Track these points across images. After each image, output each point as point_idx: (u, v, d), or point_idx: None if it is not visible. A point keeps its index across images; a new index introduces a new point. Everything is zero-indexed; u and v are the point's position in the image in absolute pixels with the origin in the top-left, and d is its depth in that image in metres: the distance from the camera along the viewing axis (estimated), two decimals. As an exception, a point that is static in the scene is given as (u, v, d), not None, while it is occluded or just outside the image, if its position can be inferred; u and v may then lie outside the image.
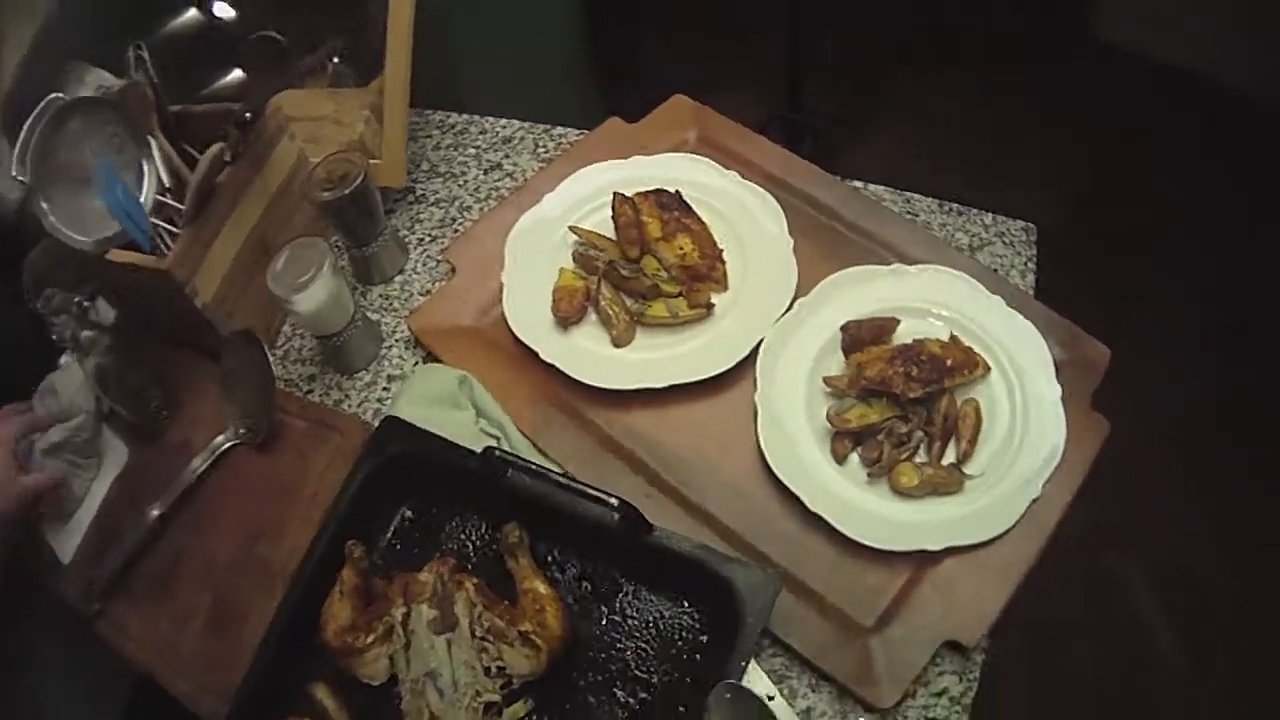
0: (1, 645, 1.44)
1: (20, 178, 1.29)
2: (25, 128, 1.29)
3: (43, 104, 1.30)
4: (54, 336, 1.33)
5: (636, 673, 1.14)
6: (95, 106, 1.34)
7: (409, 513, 1.30)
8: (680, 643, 1.15)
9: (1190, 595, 2.35)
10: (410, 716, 1.11)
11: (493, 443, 1.31)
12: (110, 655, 1.34)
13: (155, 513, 1.34)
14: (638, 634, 1.17)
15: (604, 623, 1.18)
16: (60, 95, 1.32)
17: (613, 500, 1.12)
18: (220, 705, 1.20)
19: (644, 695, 1.13)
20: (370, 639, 1.15)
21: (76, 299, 1.33)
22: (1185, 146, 3.03)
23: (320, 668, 1.19)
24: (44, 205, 1.30)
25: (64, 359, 1.29)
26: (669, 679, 1.13)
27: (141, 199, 1.36)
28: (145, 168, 1.39)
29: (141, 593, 1.34)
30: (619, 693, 1.14)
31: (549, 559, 1.23)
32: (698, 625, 1.16)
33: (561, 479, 1.15)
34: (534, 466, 1.16)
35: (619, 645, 1.16)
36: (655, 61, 3.39)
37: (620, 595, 1.19)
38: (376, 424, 1.33)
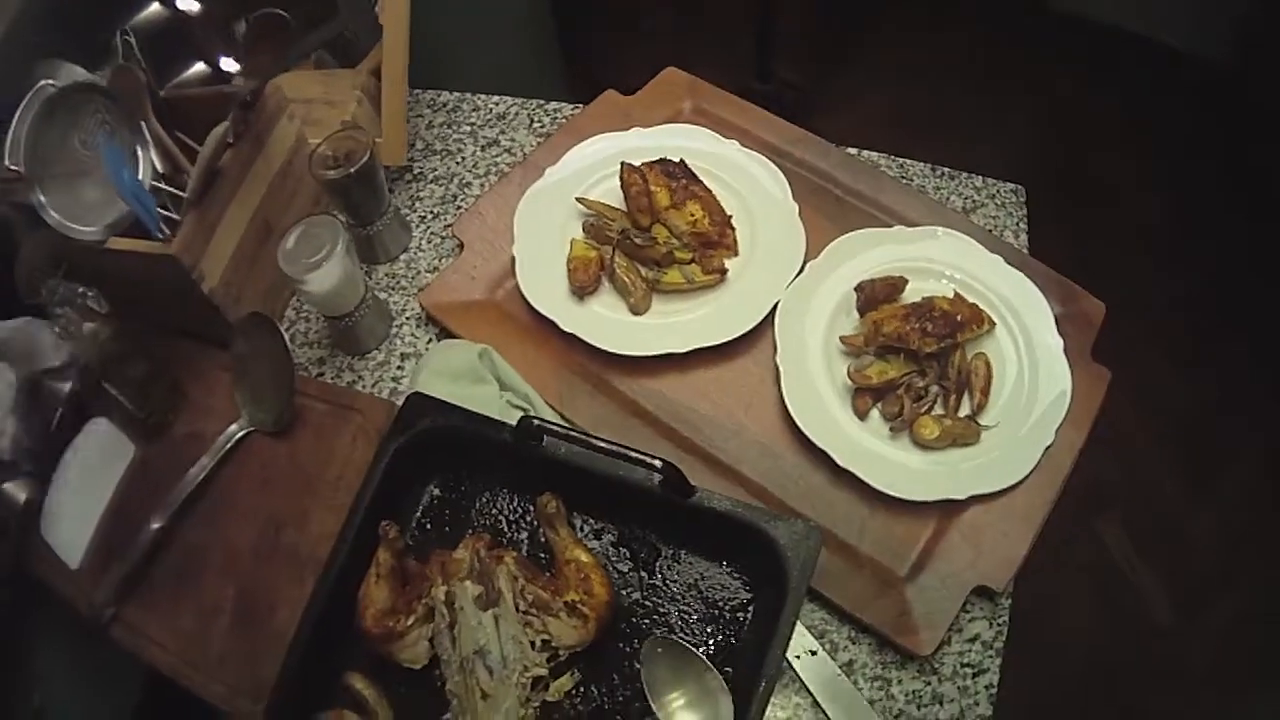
0: (7, 649, 1.39)
1: (15, 167, 1.24)
2: (16, 118, 1.24)
3: (32, 92, 1.26)
4: (56, 330, 1.29)
5: (681, 636, 1.14)
6: (87, 93, 1.31)
7: (436, 490, 1.28)
8: (723, 604, 1.16)
9: (1174, 548, 2.45)
10: (458, 697, 1.10)
11: (520, 413, 1.29)
12: (126, 659, 1.29)
13: (164, 516, 1.29)
14: (680, 598, 1.17)
15: (644, 589, 1.18)
16: (51, 82, 1.28)
17: (656, 461, 1.10)
18: (254, 704, 1.19)
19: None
20: (410, 621, 1.13)
21: (80, 290, 1.29)
22: (1139, 105, 3.16)
23: (354, 657, 1.17)
24: (41, 198, 1.25)
25: None
26: (715, 641, 1.14)
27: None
28: (140, 154, 1.36)
29: (160, 593, 1.30)
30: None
31: (582, 528, 1.22)
32: (741, 584, 1.17)
33: (602, 442, 1.13)
34: (574, 432, 1.14)
35: (662, 610, 1.17)
36: (618, 39, 3.30)
37: (659, 559, 1.19)
38: (397, 403, 1.32)
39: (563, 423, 1.32)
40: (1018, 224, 1.48)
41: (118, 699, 1.52)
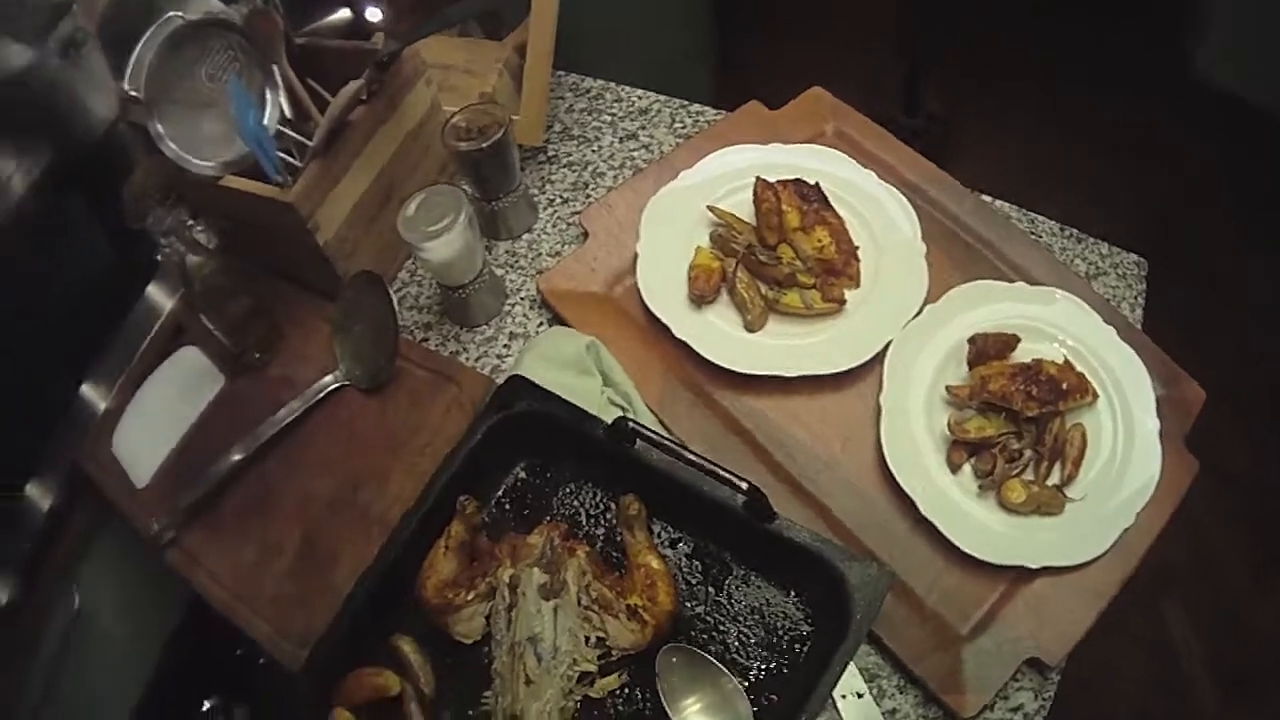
0: (60, 556, 1.44)
1: (134, 93, 1.26)
2: (141, 44, 1.27)
3: (160, 21, 1.28)
4: (159, 258, 1.31)
5: (735, 657, 1.15)
6: (219, 29, 1.32)
7: (522, 473, 1.30)
8: (783, 632, 1.16)
9: (1231, 636, 2.42)
10: (502, 678, 1.12)
11: (619, 413, 1.31)
12: (171, 583, 1.34)
13: (245, 451, 1.33)
14: (742, 619, 1.18)
15: (709, 604, 1.19)
16: (179, 14, 1.29)
17: (743, 484, 1.10)
18: (298, 649, 1.22)
19: (740, 680, 1.14)
20: (470, 596, 1.16)
21: (189, 222, 1.31)
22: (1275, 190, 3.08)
23: (406, 621, 1.19)
24: (159, 127, 1.27)
25: None
26: (768, 667, 1.15)
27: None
28: (268, 96, 1.38)
29: (225, 525, 1.34)
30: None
31: (660, 534, 1.23)
32: (804, 617, 1.17)
33: (693, 455, 1.13)
34: (668, 441, 1.14)
35: (722, 628, 1.17)
36: (766, 54, 3.34)
37: (729, 578, 1.20)
38: (498, 380, 1.34)
39: (659, 428, 1.33)
40: (1136, 297, 1.46)
41: (158, 619, 1.57)
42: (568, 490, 1.28)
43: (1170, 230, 2.98)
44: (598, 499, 1.27)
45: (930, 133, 3.03)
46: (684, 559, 1.22)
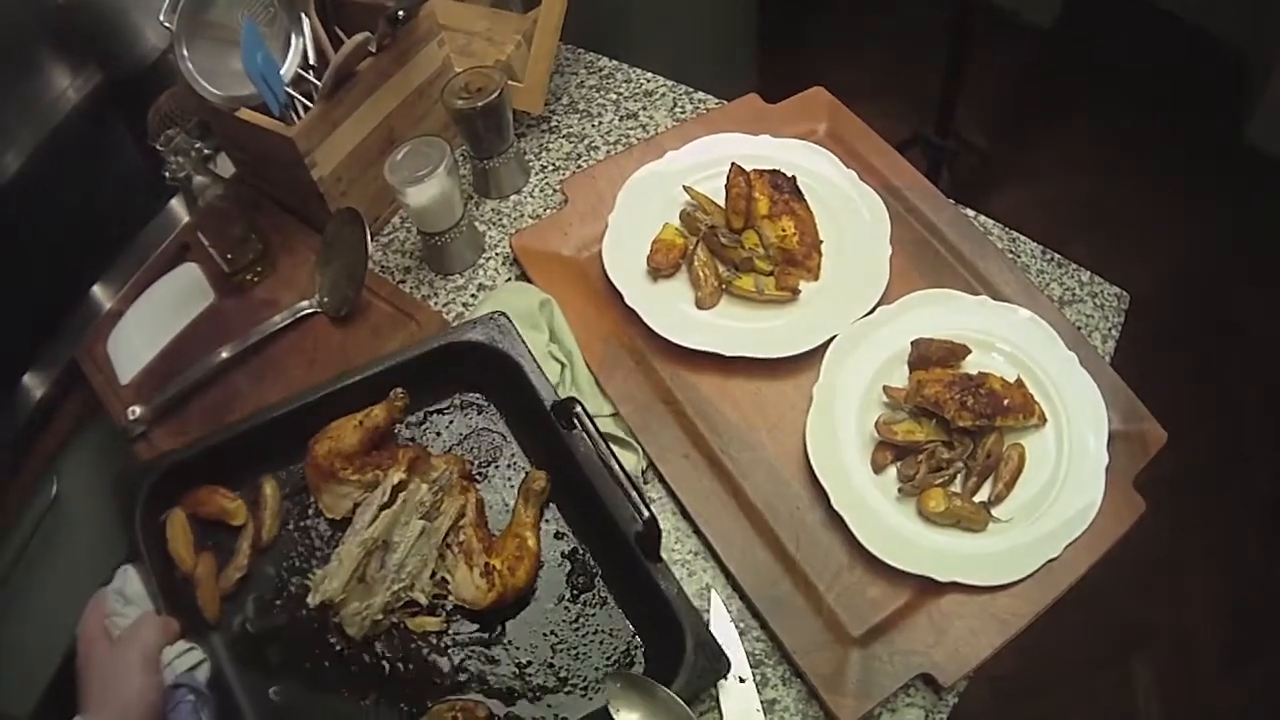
0: (46, 444, 1.54)
1: (166, 24, 1.38)
2: None
3: None
4: (166, 175, 1.41)
5: (553, 662, 1.15)
6: (256, -27, 1.43)
7: (462, 400, 1.34)
8: (613, 664, 1.15)
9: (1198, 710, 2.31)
10: (341, 563, 1.14)
11: (559, 366, 1.37)
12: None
13: (225, 354, 1.41)
14: (580, 633, 1.17)
15: (560, 605, 1.19)
16: None
17: (644, 513, 1.10)
18: None
19: (545, 686, 1.14)
20: (354, 476, 1.20)
21: (197, 144, 1.42)
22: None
23: (281, 473, 1.26)
24: (184, 53, 1.39)
25: (125, 567, 1.16)
26: (581, 689, 1.14)
27: (283, 69, 1.45)
28: (294, 41, 1.48)
29: (190, 424, 1.42)
30: (526, 670, 1.15)
31: (549, 520, 1.24)
32: (643, 662, 1.15)
33: (618, 466, 1.13)
34: (603, 440, 1.15)
35: (560, 632, 1.17)
36: (815, 56, 3.42)
37: (589, 593, 1.20)
38: (455, 322, 1.41)
39: (596, 388, 1.36)
40: (1110, 329, 1.41)
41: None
42: (493, 436, 1.31)
43: (1199, 286, 2.90)
44: (513, 458, 1.30)
45: (962, 157, 2.96)
46: (558, 554, 1.23)
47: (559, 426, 1.21)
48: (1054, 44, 3.57)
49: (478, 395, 1.34)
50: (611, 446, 1.15)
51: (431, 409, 1.33)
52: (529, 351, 1.28)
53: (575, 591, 1.20)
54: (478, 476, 1.28)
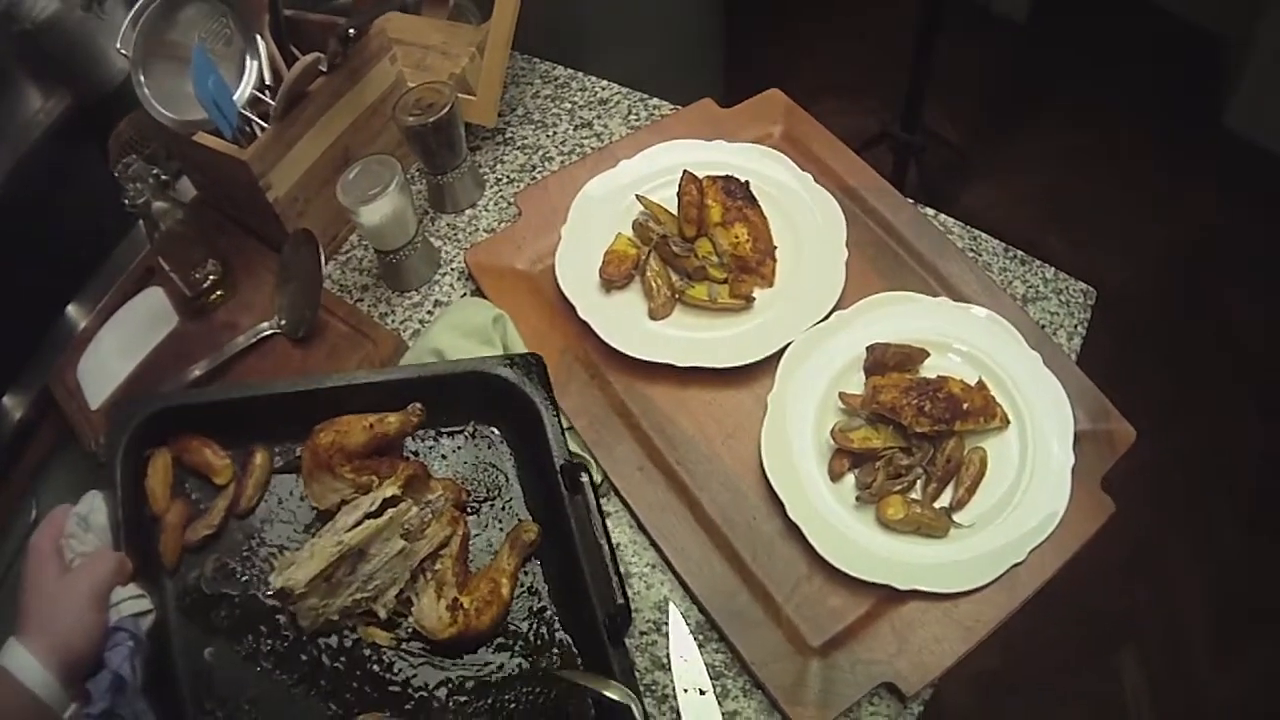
0: (24, 468, 1.53)
1: (124, 51, 1.38)
2: (138, 4, 1.38)
3: None
4: (125, 202, 1.40)
5: (491, 708, 1.12)
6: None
7: (475, 430, 1.30)
8: None
9: (1189, 707, 2.27)
10: (312, 557, 1.12)
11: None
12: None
13: (189, 379, 1.40)
14: (522, 690, 1.14)
15: (511, 658, 1.16)
16: None
17: (619, 599, 1.09)
18: None
19: None
20: (350, 474, 1.17)
21: (155, 171, 1.41)
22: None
23: (275, 447, 1.25)
24: (141, 79, 1.39)
25: (94, 493, 1.15)
26: None
27: (237, 93, 1.45)
28: (249, 62, 1.48)
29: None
30: (462, 705, 1.13)
31: (527, 572, 1.21)
32: None
33: (608, 548, 1.12)
34: (605, 520, 1.14)
35: (501, 683, 1.14)
36: (783, 54, 3.38)
37: (543, 658, 1.16)
38: (409, 343, 1.40)
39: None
40: (1076, 326, 1.38)
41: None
42: (496, 474, 1.28)
43: (1179, 277, 2.84)
44: (509, 501, 1.27)
45: (932, 153, 2.90)
46: (526, 609, 1.19)
47: (563, 486, 1.18)
48: (1027, 36, 3.53)
49: (493, 430, 1.31)
50: (607, 523, 1.14)
51: (445, 430, 1.30)
52: (554, 405, 1.24)
53: (530, 653, 1.16)
54: (470, 509, 1.25)
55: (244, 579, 1.18)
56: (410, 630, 1.16)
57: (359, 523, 1.15)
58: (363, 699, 1.12)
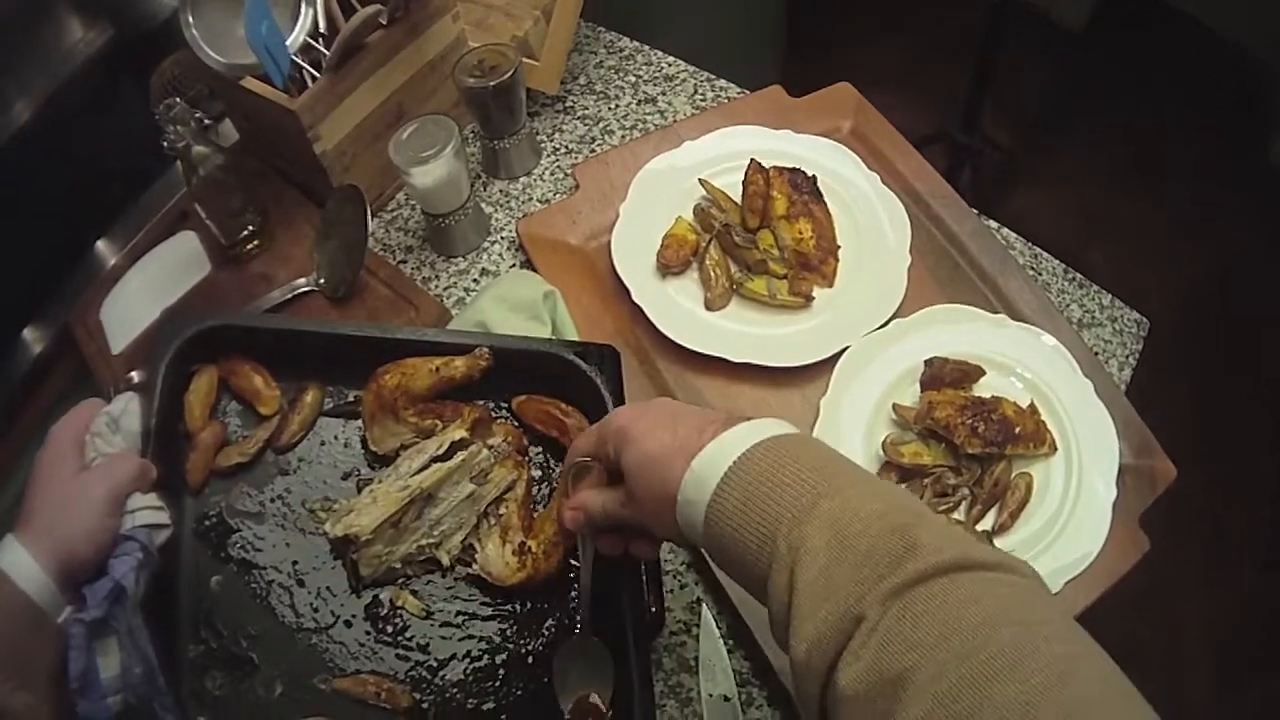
0: (38, 406, 1.50)
1: None
2: None
3: None
4: (164, 144, 1.35)
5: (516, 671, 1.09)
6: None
7: (548, 394, 1.21)
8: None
9: None
10: (374, 502, 1.08)
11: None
12: None
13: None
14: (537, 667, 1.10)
15: (536, 642, 1.11)
16: None
17: (653, 608, 1.08)
18: None
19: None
20: (414, 419, 1.14)
21: (197, 114, 1.36)
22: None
23: (331, 388, 1.20)
24: (189, 18, 1.33)
25: (130, 395, 1.10)
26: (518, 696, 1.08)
27: (290, 38, 1.38)
28: (304, 9, 1.41)
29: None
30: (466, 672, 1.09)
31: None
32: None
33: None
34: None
35: (503, 669, 1.10)
36: (840, 44, 3.34)
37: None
38: (454, 312, 1.36)
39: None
40: (1128, 356, 1.37)
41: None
42: (558, 445, 1.21)
43: (1207, 304, 2.84)
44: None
45: (985, 157, 2.91)
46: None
47: None
48: (1084, 47, 3.49)
49: (571, 399, 1.22)
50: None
51: (517, 386, 1.22)
52: (623, 403, 1.17)
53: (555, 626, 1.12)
54: (532, 461, 1.20)
55: (268, 512, 1.13)
56: (469, 577, 1.12)
57: (426, 466, 1.11)
58: (370, 657, 1.08)
